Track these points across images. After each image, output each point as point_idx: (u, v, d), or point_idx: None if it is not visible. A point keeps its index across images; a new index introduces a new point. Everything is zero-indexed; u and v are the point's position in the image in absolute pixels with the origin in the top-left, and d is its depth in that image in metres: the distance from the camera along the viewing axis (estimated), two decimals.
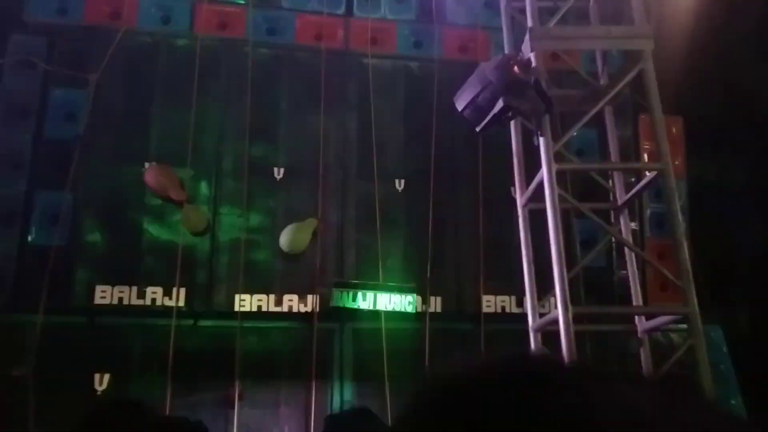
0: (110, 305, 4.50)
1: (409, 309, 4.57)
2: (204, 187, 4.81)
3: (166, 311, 4.45)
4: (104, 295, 4.53)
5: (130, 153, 4.79)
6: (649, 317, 3.87)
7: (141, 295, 4.56)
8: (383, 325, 4.47)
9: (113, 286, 4.55)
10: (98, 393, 4.22)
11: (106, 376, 4.29)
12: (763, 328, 5.75)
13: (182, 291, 4.56)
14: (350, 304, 4.53)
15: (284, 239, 4.61)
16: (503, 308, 4.77)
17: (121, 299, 4.54)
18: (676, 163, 4.52)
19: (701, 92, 5.24)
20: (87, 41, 4.85)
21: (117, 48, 4.75)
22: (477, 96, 3.24)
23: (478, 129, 3.42)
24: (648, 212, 4.88)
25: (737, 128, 5.94)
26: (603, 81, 4.03)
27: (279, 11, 5.16)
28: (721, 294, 4.92)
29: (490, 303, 4.74)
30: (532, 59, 3.47)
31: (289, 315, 4.60)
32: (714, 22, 4.97)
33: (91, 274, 4.51)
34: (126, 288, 4.56)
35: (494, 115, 3.27)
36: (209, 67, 4.92)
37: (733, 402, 4.56)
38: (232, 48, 5.04)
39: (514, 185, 4.44)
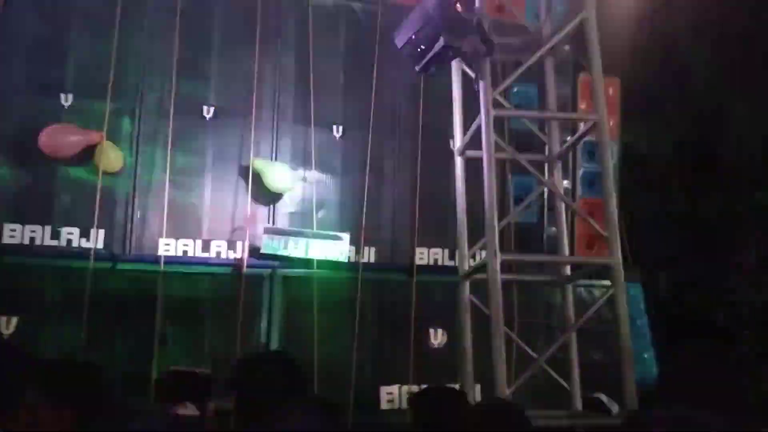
0: (20, 245, 4.19)
1: (342, 258, 4.49)
2: (126, 124, 4.50)
3: (83, 253, 4.18)
4: (13, 234, 4.24)
5: (44, 83, 4.41)
6: (573, 268, 3.98)
7: (55, 235, 4.28)
8: (315, 273, 4.38)
9: (24, 225, 4.24)
10: (3, 336, 3.94)
11: (14, 319, 4.00)
12: (679, 289, 6.10)
13: (101, 233, 4.30)
14: (281, 252, 4.40)
15: (275, 178, 4.38)
16: (436, 261, 4.78)
17: (33, 239, 4.24)
18: (611, 123, 4.60)
19: (639, 56, 5.34)
20: None
21: None
22: (417, 33, 3.14)
23: (417, 68, 3.33)
24: (581, 172, 4.98)
25: (671, 98, 6.12)
26: (546, 32, 4.01)
27: None
28: (643, 255, 5.14)
29: (423, 255, 4.74)
30: None
31: (217, 261, 4.43)
32: None
33: None
34: (38, 227, 4.27)
35: (435, 53, 3.19)
36: None
37: (645, 356, 4.80)
38: None
39: (453, 138, 4.40)
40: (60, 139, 4.26)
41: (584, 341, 4.26)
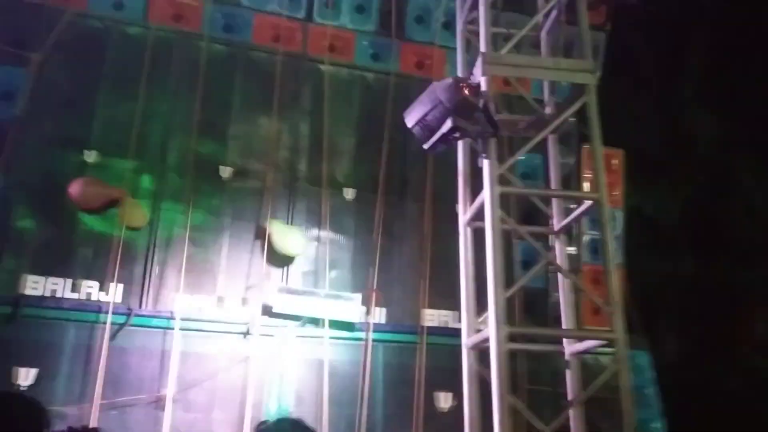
0: (41, 297, 4.31)
1: (353, 319, 4.58)
2: (146, 181, 4.68)
3: (100, 307, 4.30)
4: (35, 286, 4.35)
5: (71, 139, 4.62)
6: (578, 340, 4.02)
7: (75, 288, 4.40)
8: (326, 333, 4.47)
9: (46, 277, 4.36)
10: (22, 388, 4.04)
11: (32, 371, 4.09)
12: (688, 356, 6.02)
13: (119, 287, 4.42)
14: (293, 311, 4.50)
15: (288, 243, 4.52)
16: (445, 323, 4.84)
17: (54, 291, 4.36)
18: (615, 193, 4.70)
19: (644, 127, 5.46)
20: (31, 19, 4.63)
21: (64, 29, 4.56)
22: (426, 114, 3.28)
23: (425, 147, 3.46)
24: (586, 239, 5.05)
25: (676, 165, 6.19)
26: (549, 109, 4.15)
27: (237, 8, 5.06)
28: (650, 321, 5.14)
29: (432, 317, 4.81)
30: (483, 83, 3.53)
31: (230, 320, 4.52)
32: (659, 60, 5.20)
33: (19, 263, 4.30)
34: (60, 280, 4.39)
35: (442, 134, 3.32)
36: (160, 59, 4.79)
37: (654, 425, 4.76)
38: (186, 41, 4.91)
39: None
40: (87, 189, 4.42)
41: (592, 409, 4.26)
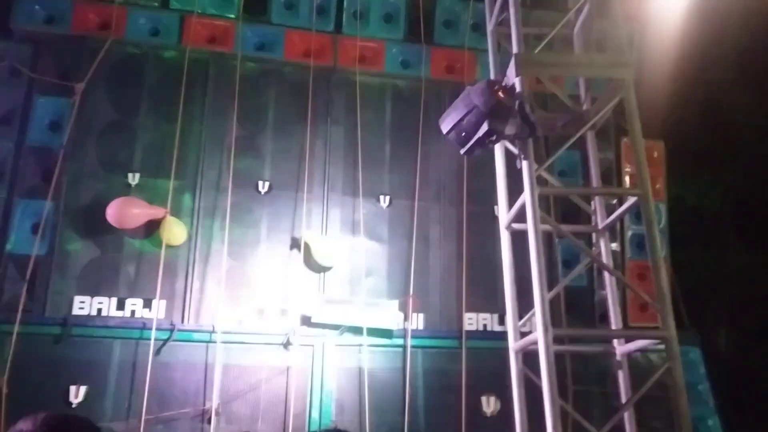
0: (88, 316, 4.44)
1: (391, 326, 4.56)
2: (187, 199, 4.79)
3: (144, 323, 4.40)
4: (83, 306, 4.48)
5: (114, 163, 4.77)
6: (628, 339, 3.91)
7: (120, 306, 4.51)
8: (365, 341, 4.45)
9: (92, 296, 4.49)
10: (73, 406, 4.15)
11: (83, 389, 4.20)
12: (741, 349, 5.84)
13: (162, 303, 4.51)
14: (331, 321, 4.51)
15: (322, 253, 4.57)
16: (485, 326, 4.79)
17: (100, 310, 4.48)
18: (657, 186, 4.60)
19: (683, 117, 5.35)
20: (74, 50, 4.84)
21: (104, 58, 4.74)
22: (462, 119, 3.29)
23: (462, 152, 3.46)
24: (629, 234, 4.95)
25: (717, 152, 6.06)
26: (586, 105, 4.10)
27: (268, 27, 5.18)
28: (700, 315, 4.99)
29: (472, 321, 4.76)
30: (517, 85, 3.52)
31: (270, 331, 4.56)
32: (695, 48, 5.09)
33: (68, 284, 4.45)
34: (105, 299, 4.52)
35: (478, 138, 3.32)
36: (196, 80, 4.93)
37: (710, 423, 4.60)
38: (220, 61, 5.04)
39: (497, 203, 4.48)
40: (126, 211, 4.53)
41: (644, 409, 4.14)
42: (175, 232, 4.59)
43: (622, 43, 3.66)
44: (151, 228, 4.62)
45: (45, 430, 1.73)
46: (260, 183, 4.88)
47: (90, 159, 4.76)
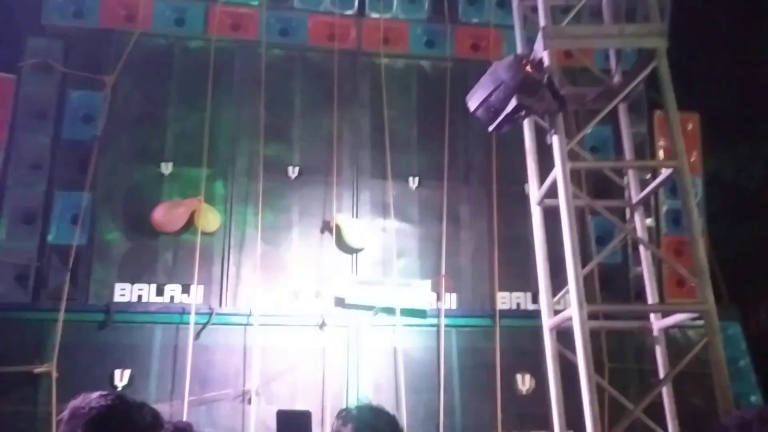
0: (129, 302, 4.57)
1: (424, 306, 4.59)
2: (219, 187, 4.87)
3: (184, 308, 4.51)
4: (123, 293, 4.61)
5: (147, 153, 4.87)
6: (665, 314, 3.86)
7: (160, 292, 4.63)
8: (398, 321, 4.49)
9: (132, 284, 4.62)
10: (119, 389, 4.29)
11: (127, 372, 4.34)
12: None
13: (200, 288, 4.61)
14: (365, 302, 4.56)
15: (353, 235, 4.61)
16: (518, 305, 4.78)
17: (140, 297, 4.61)
18: (692, 159, 4.49)
19: (718, 87, 5.19)
20: (103, 44, 4.93)
21: (132, 50, 4.82)
22: (490, 96, 3.25)
23: (490, 129, 3.43)
24: (664, 209, 4.85)
25: (754, 124, 5.89)
26: (617, 78, 4.01)
27: (291, 12, 5.19)
28: (739, 290, 4.89)
29: (505, 300, 4.76)
30: (545, 58, 3.46)
31: (305, 313, 4.63)
32: (732, 16, 4.92)
33: (108, 272, 4.58)
34: (145, 286, 4.64)
35: (507, 114, 3.28)
36: (223, 68, 4.98)
37: (753, 398, 4.53)
38: (245, 49, 5.08)
39: (527, 181, 4.44)
40: (170, 216, 4.63)
41: (682, 385, 4.09)
42: (209, 218, 4.68)
43: (653, 11, 3.56)
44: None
45: (100, 409, 1.82)
46: (290, 168, 4.93)
47: (124, 150, 4.88)
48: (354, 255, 4.82)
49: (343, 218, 4.76)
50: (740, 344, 4.61)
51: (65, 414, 1.85)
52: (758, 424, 1.76)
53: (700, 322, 3.65)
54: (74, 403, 1.85)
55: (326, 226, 4.79)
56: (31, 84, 4.87)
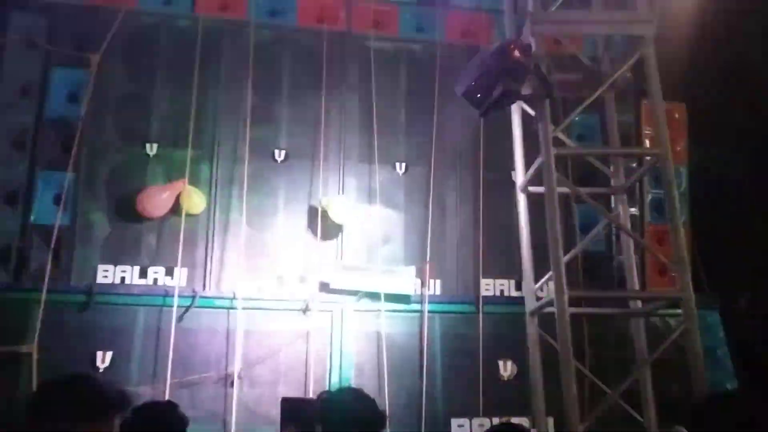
0: (111, 284, 4.53)
1: (408, 291, 4.60)
2: (204, 169, 4.82)
3: (167, 291, 4.47)
4: (106, 274, 4.57)
5: (132, 134, 4.81)
6: (644, 301, 3.90)
7: (143, 274, 4.59)
8: (382, 307, 4.50)
9: (115, 265, 4.58)
10: (100, 371, 4.27)
11: (108, 354, 4.31)
12: (761, 314, 5.78)
13: (184, 271, 4.58)
14: (349, 287, 4.56)
15: (336, 212, 4.58)
16: (502, 292, 4.80)
17: (123, 279, 4.58)
18: (678, 149, 4.51)
19: (705, 79, 5.20)
20: (88, 21, 4.84)
21: (118, 28, 4.74)
22: (477, 80, 3.25)
23: (479, 114, 3.42)
24: (648, 197, 4.88)
25: (740, 116, 5.91)
26: (604, 66, 4.02)
27: None
28: (721, 281, 4.93)
29: (489, 286, 4.78)
30: (533, 44, 3.46)
31: (289, 297, 4.62)
32: (718, 8, 4.92)
33: (91, 253, 4.53)
34: (128, 267, 4.60)
35: (494, 99, 3.28)
36: (210, 49, 4.91)
37: (728, 386, 4.59)
38: (233, 29, 5.01)
39: (515, 169, 4.44)
40: (155, 202, 4.56)
41: (661, 372, 4.15)
42: (194, 200, 4.64)
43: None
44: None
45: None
46: (276, 152, 4.89)
47: (108, 130, 4.81)
48: (339, 239, 4.81)
49: (327, 198, 4.73)
50: (719, 332, 4.67)
51: None
52: (709, 412, 1.79)
53: (680, 311, 3.69)
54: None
55: (313, 211, 4.76)
56: (14, 60, 4.77)
